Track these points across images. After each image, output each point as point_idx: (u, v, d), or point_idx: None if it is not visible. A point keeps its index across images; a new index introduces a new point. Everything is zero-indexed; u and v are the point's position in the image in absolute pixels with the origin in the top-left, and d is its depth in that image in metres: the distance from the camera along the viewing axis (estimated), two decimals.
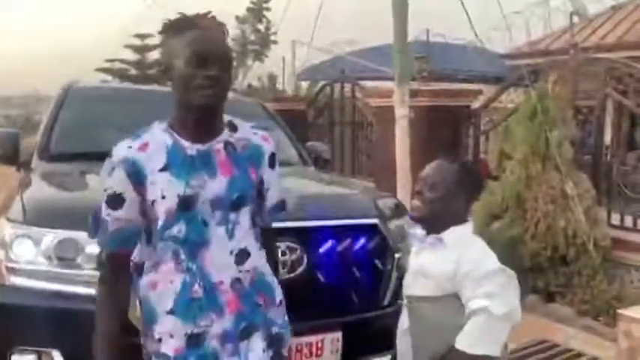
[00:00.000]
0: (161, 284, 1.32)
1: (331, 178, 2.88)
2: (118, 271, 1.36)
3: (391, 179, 4.86)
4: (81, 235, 1.62)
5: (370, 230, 2.03)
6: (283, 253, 1.79)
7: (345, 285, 1.94)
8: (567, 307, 3.81)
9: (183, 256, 1.30)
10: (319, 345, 1.79)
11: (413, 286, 1.65)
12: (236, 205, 1.33)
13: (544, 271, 3.97)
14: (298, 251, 1.82)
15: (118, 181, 1.29)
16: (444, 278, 1.55)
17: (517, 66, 5.62)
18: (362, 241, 2.02)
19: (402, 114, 4.97)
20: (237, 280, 1.34)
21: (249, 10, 8.17)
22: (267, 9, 8.15)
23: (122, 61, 8.30)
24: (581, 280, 3.86)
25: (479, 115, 5.55)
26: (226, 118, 1.38)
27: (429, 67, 5.99)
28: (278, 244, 1.79)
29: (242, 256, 1.35)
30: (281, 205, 1.49)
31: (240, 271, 1.34)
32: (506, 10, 5.02)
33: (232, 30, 8.25)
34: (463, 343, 1.49)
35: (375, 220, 2.05)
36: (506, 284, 1.53)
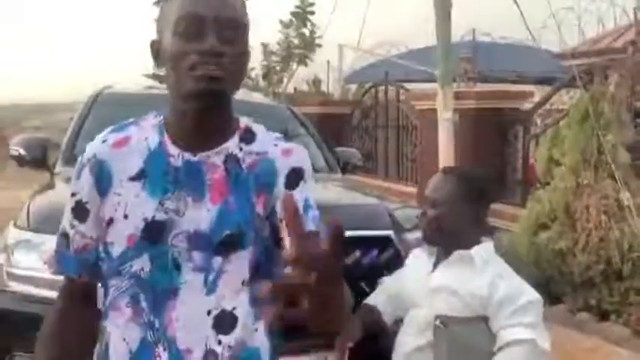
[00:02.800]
0: (113, 337, 0.96)
1: (351, 186, 2.76)
2: (81, 303, 1.02)
3: None
4: None
5: (382, 242, 1.91)
6: None
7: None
8: (622, 327, 3.49)
9: (144, 304, 0.94)
10: None
11: (436, 303, 1.53)
12: (225, 247, 0.94)
13: (596, 286, 3.66)
14: None
15: (82, 185, 0.98)
16: (476, 299, 1.46)
17: (571, 67, 5.28)
18: (373, 253, 1.91)
19: (445, 117, 4.78)
20: (211, 354, 0.94)
21: (293, 14, 8.17)
22: (312, 12, 8.12)
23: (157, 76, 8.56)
24: (638, 297, 3.53)
25: (529, 118, 5.25)
26: (244, 121, 1.02)
27: (475, 68, 5.74)
28: None
29: (225, 320, 0.94)
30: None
31: (219, 342, 0.94)
32: (555, 6, 4.72)
33: (276, 34, 8.30)
34: None
35: (387, 232, 1.92)
36: (541, 316, 1.46)
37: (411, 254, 1.74)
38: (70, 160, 2.52)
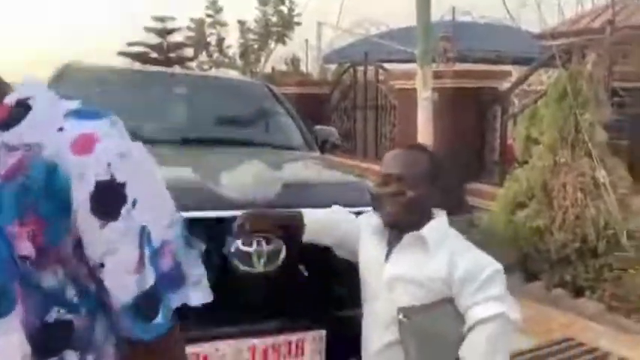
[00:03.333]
0: None
1: (330, 164, 2.72)
2: None
3: None
4: None
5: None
6: (259, 243, 1.64)
7: (330, 279, 1.79)
8: (596, 303, 3.55)
9: None
10: (299, 344, 1.64)
11: (396, 295, 1.41)
12: None
13: (572, 263, 3.71)
14: (277, 241, 1.66)
15: None
16: (436, 283, 1.36)
17: (551, 47, 5.29)
18: None
19: (424, 96, 4.76)
20: None
21: None
22: None
23: (143, 44, 8.30)
24: (612, 273, 3.59)
25: (507, 97, 5.26)
26: (22, 90, 0.66)
27: (455, 47, 5.70)
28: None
29: None
30: (151, 299, 0.65)
31: None
32: None
33: (254, 12, 8.12)
34: (478, 356, 1.31)
35: (367, 209, 1.88)
36: (505, 285, 1.36)
37: (363, 221, 1.60)
38: None
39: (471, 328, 1.32)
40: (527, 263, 3.95)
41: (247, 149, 2.55)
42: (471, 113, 5.18)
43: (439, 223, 1.45)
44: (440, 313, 1.37)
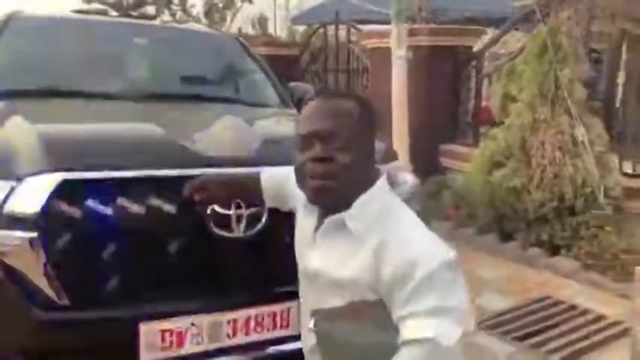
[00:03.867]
0: None
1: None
2: None
3: (387, 128, 4.53)
4: None
5: None
6: (238, 206, 1.48)
7: None
8: (573, 261, 3.55)
9: None
10: (284, 315, 1.51)
11: (316, 294, 1.13)
12: None
13: (549, 222, 3.69)
14: (256, 204, 1.49)
15: None
16: (360, 287, 1.04)
17: (526, 7, 5.18)
18: None
19: (399, 54, 4.60)
20: None
21: None
22: None
23: (102, 2, 7.82)
24: (589, 231, 3.59)
25: (482, 56, 5.14)
26: None
27: (429, 6, 5.53)
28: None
29: None
30: None
31: None
32: None
33: None
34: None
35: None
36: (452, 281, 1.02)
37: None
38: None
39: (401, 345, 1.00)
40: (502, 223, 3.91)
41: (217, 105, 2.36)
42: (446, 73, 5.06)
43: (372, 197, 1.09)
44: (361, 320, 1.05)
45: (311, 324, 1.10)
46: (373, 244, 1.03)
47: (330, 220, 1.09)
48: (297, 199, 1.23)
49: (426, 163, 4.75)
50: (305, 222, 1.19)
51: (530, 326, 2.79)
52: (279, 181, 1.36)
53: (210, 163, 1.50)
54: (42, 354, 1.33)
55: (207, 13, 8.10)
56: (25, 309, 1.30)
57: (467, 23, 6.42)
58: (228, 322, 1.46)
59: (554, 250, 3.68)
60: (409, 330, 0.99)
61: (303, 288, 1.21)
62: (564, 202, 3.62)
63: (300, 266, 1.20)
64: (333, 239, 1.10)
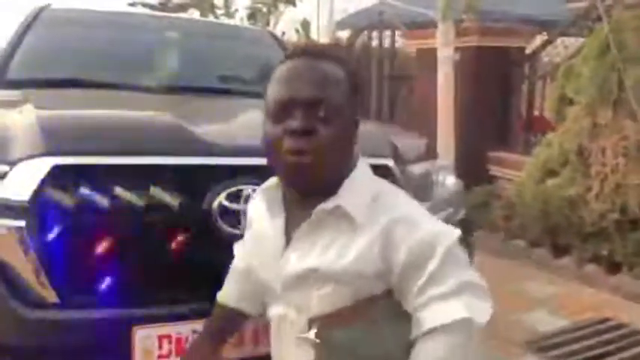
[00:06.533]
0: None
1: None
2: None
3: (433, 133, 4.30)
4: None
5: (381, 173, 1.51)
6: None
7: None
8: (635, 280, 3.20)
9: None
10: None
11: (304, 301, 0.94)
12: None
13: (609, 236, 3.36)
14: None
15: None
16: (370, 277, 0.91)
17: (581, 9, 4.84)
18: None
19: (445, 54, 4.38)
20: None
21: None
22: None
23: (145, 4, 7.97)
24: None
25: (536, 58, 4.83)
26: None
27: (478, 6, 5.26)
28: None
29: None
30: None
31: None
32: None
33: None
34: None
35: (386, 161, 1.54)
36: (465, 258, 0.93)
37: (254, 201, 1.10)
38: (3, 82, 2.12)
39: (422, 337, 0.88)
40: (556, 236, 3.61)
41: (245, 100, 2.23)
42: (496, 75, 4.77)
43: (362, 179, 0.95)
44: (371, 320, 0.91)
45: (310, 335, 0.91)
46: (378, 230, 0.90)
47: (321, 209, 0.91)
48: (254, 208, 1.06)
49: (473, 170, 4.48)
50: (268, 222, 1.00)
51: (586, 351, 2.52)
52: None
53: (219, 152, 1.35)
54: (27, 355, 1.21)
55: (251, 17, 8.11)
56: (9, 306, 1.18)
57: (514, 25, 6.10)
58: None
59: (613, 268, 3.34)
60: (438, 314, 0.87)
61: (273, 301, 1.00)
62: (627, 214, 3.29)
63: (267, 274, 1.01)
64: (318, 232, 0.93)
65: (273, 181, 1.02)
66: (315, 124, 0.88)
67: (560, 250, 3.59)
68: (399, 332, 0.91)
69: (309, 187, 0.93)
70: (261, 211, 1.03)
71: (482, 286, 0.92)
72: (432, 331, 0.87)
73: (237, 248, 1.17)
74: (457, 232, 0.93)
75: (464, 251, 0.93)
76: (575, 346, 2.55)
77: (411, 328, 0.90)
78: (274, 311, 1.01)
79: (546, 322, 2.80)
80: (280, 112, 0.90)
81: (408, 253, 0.89)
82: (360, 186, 0.94)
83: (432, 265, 0.88)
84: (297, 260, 0.94)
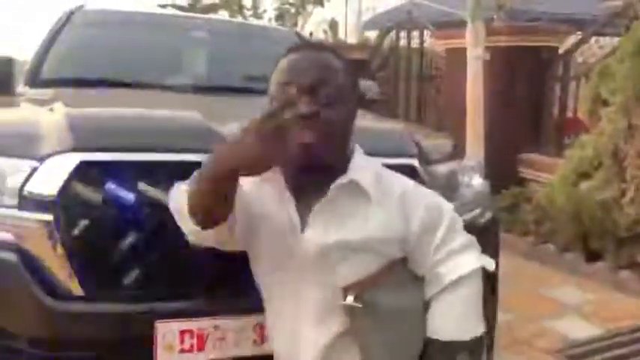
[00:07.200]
0: None
1: (364, 114, 2.37)
2: None
3: (462, 133, 4.23)
4: (1, 162, 1.29)
5: (406, 173, 1.49)
6: None
7: None
8: None
9: None
10: None
11: (328, 272, 1.01)
12: None
13: None
14: None
15: None
16: (393, 243, 1.02)
17: (617, 7, 4.70)
18: None
19: (475, 54, 4.30)
20: None
21: None
22: None
23: (174, 5, 8.10)
24: None
25: (569, 58, 4.70)
26: None
27: (508, 5, 5.15)
28: None
29: None
30: None
31: None
32: None
33: None
34: (456, 328, 1.01)
35: (411, 161, 1.52)
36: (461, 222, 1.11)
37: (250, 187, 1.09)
38: (35, 80, 2.18)
39: (439, 292, 1.03)
40: (588, 241, 3.51)
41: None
42: (527, 75, 4.66)
43: (364, 161, 1.07)
44: (397, 281, 1.03)
45: (349, 300, 0.98)
46: (393, 198, 1.03)
47: (338, 184, 1.01)
48: (255, 198, 1.08)
49: (503, 172, 4.39)
50: (277, 208, 1.05)
51: None
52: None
53: None
54: (52, 345, 1.23)
55: (279, 18, 8.15)
56: (37, 297, 1.21)
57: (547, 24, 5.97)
58: (254, 328, 1.29)
59: None
60: (454, 267, 1.02)
61: (289, 282, 1.05)
62: None
63: (281, 257, 1.05)
64: (333, 209, 1.01)
65: (268, 173, 1.01)
66: (317, 108, 0.98)
67: (592, 255, 3.49)
68: (419, 292, 1.04)
69: (317, 164, 1.00)
70: (261, 199, 1.07)
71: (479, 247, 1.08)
72: (451, 284, 1.02)
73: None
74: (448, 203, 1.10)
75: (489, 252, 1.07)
76: (607, 355, 2.48)
77: (423, 289, 1.04)
78: (284, 290, 1.06)
79: (577, 330, 2.72)
80: (285, 97, 1.00)
81: (423, 216, 1.03)
82: (365, 165, 1.06)
83: (443, 227, 1.04)
84: (318, 237, 1.00)
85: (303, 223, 1.02)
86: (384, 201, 1.02)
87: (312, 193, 1.02)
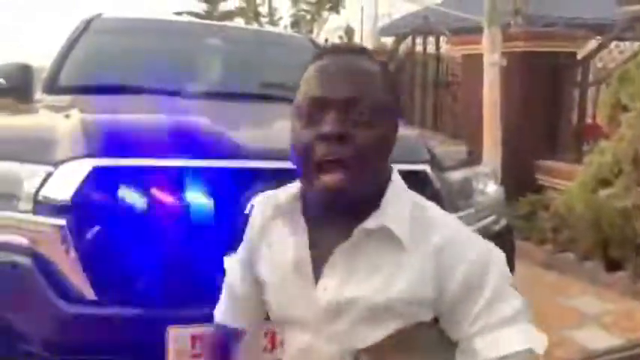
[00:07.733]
0: None
1: None
2: None
3: (478, 140, 4.19)
4: (17, 167, 1.30)
5: (417, 179, 1.47)
6: None
7: None
8: None
9: None
10: None
11: (342, 327, 0.83)
12: None
13: None
14: None
15: None
16: (424, 303, 0.82)
17: (636, 12, 4.62)
18: None
19: (492, 60, 4.27)
20: None
21: None
22: None
23: (191, 13, 8.20)
24: None
25: (588, 63, 4.63)
26: None
27: (525, 10, 5.09)
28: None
29: None
30: None
31: None
32: None
33: None
34: None
35: (423, 167, 1.50)
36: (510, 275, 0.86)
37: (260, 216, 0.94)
38: (53, 87, 2.21)
39: None
40: (608, 249, 3.43)
41: (286, 106, 2.24)
42: (545, 81, 4.60)
43: (400, 193, 0.84)
44: (424, 347, 0.85)
45: None
46: (429, 250, 0.80)
47: (363, 229, 0.80)
48: (262, 221, 0.92)
49: (520, 179, 4.33)
50: (288, 240, 0.86)
51: None
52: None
53: (255, 155, 1.36)
54: (65, 349, 1.24)
55: (294, 25, 8.19)
56: (50, 300, 1.22)
57: (565, 29, 5.90)
58: (265, 334, 1.28)
59: None
60: (497, 344, 0.80)
61: (295, 328, 0.89)
62: None
63: (288, 299, 0.88)
64: (357, 255, 0.81)
65: (289, 192, 0.88)
66: (351, 128, 0.77)
67: (612, 264, 3.41)
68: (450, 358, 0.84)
69: (344, 202, 0.80)
70: (276, 229, 0.90)
71: (528, 309, 0.85)
72: None
73: (230, 263, 1.04)
74: (501, 255, 0.85)
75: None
76: None
77: (454, 357, 0.83)
78: (298, 341, 0.89)
79: (597, 340, 2.66)
80: (311, 114, 0.79)
81: (462, 278, 0.81)
82: (401, 200, 0.83)
83: (487, 289, 0.81)
84: (336, 288, 0.82)
85: (317, 269, 0.84)
86: (418, 250, 0.81)
87: (332, 228, 0.83)
